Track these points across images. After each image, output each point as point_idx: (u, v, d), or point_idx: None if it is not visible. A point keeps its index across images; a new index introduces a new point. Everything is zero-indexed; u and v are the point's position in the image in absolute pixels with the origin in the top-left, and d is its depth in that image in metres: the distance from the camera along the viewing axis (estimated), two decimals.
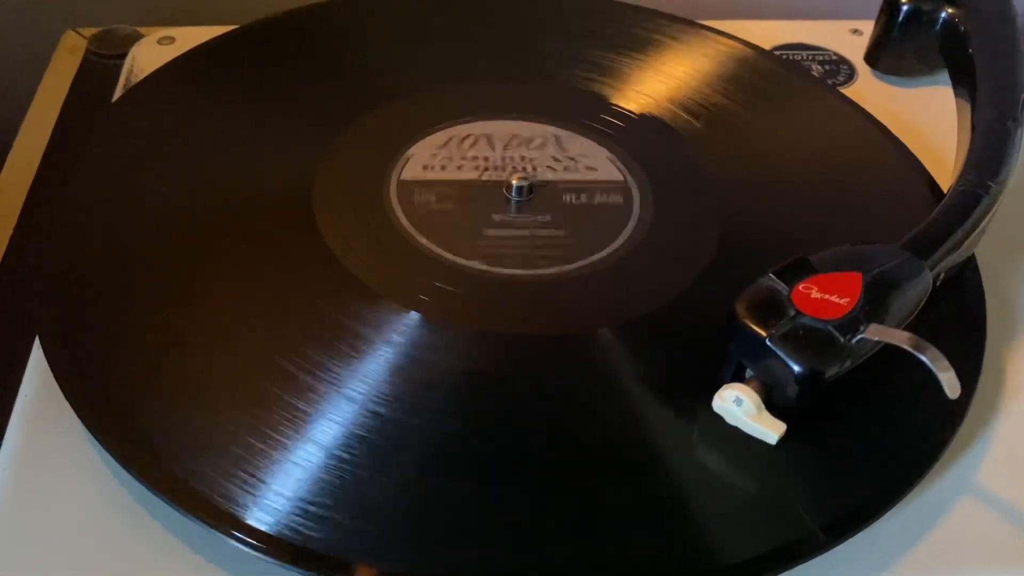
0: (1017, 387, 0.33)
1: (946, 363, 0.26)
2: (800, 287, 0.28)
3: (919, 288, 0.29)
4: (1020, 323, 0.36)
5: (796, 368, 0.27)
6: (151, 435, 0.28)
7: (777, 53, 0.48)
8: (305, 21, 0.44)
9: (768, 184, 0.38)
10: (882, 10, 0.46)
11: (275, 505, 0.27)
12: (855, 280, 0.28)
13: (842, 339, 0.27)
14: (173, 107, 0.39)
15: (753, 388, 0.28)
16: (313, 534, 0.26)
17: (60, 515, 0.28)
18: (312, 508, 0.26)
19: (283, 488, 0.27)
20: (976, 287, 0.34)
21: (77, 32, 0.48)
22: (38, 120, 0.43)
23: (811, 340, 0.27)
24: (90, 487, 0.28)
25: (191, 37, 0.44)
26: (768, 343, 0.27)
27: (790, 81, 0.44)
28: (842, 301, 0.28)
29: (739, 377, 0.29)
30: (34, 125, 0.43)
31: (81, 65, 0.46)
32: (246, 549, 0.26)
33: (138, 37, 0.47)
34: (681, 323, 0.32)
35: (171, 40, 0.46)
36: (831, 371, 0.27)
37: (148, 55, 0.45)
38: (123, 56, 0.45)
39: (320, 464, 0.27)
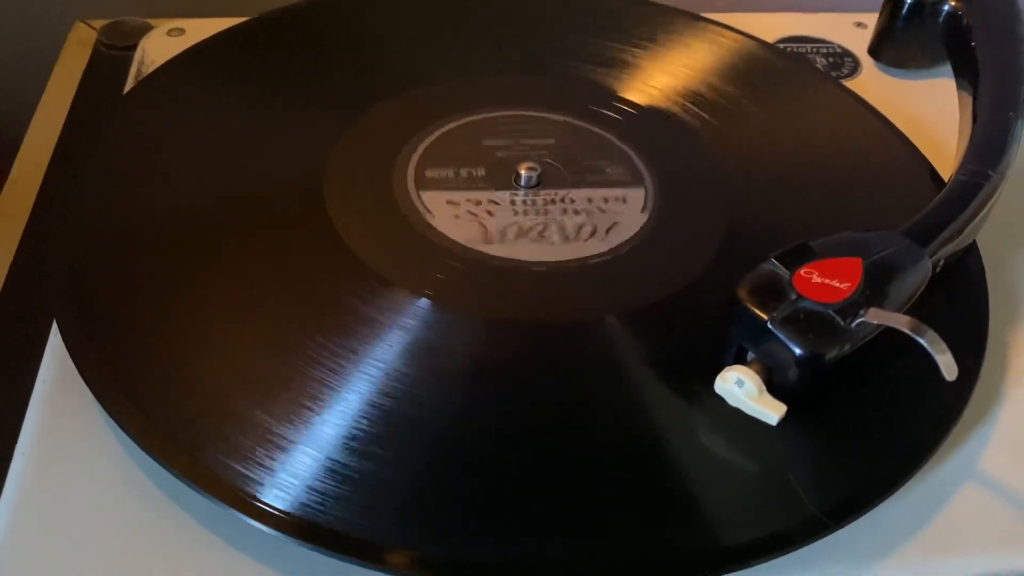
0: (1020, 372, 0.34)
1: (943, 345, 0.26)
2: (801, 272, 0.29)
3: (918, 274, 0.30)
4: (1022, 309, 0.36)
5: (797, 351, 0.27)
6: (169, 418, 0.28)
7: (781, 46, 0.49)
8: (315, 11, 0.44)
9: (772, 175, 0.39)
10: (886, 3, 0.47)
11: (293, 485, 0.27)
12: (855, 265, 0.29)
13: (842, 322, 0.27)
14: (184, 98, 0.39)
15: (755, 370, 0.28)
16: (335, 514, 0.26)
17: (79, 499, 0.28)
18: (333, 489, 0.27)
19: (300, 468, 0.27)
20: (978, 274, 0.35)
21: (87, 24, 0.48)
22: (49, 111, 0.44)
23: (812, 323, 0.27)
24: (109, 470, 0.29)
25: (201, 29, 0.44)
26: (769, 326, 0.28)
27: (794, 74, 0.44)
28: (842, 286, 0.28)
29: (741, 360, 0.29)
30: (46, 116, 0.43)
31: (91, 56, 0.47)
32: (264, 527, 0.26)
33: (148, 28, 0.47)
34: (687, 312, 0.33)
35: (181, 32, 0.46)
36: (831, 354, 0.27)
37: (158, 46, 0.45)
38: (133, 48, 0.46)
39: (338, 446, 0.28)
